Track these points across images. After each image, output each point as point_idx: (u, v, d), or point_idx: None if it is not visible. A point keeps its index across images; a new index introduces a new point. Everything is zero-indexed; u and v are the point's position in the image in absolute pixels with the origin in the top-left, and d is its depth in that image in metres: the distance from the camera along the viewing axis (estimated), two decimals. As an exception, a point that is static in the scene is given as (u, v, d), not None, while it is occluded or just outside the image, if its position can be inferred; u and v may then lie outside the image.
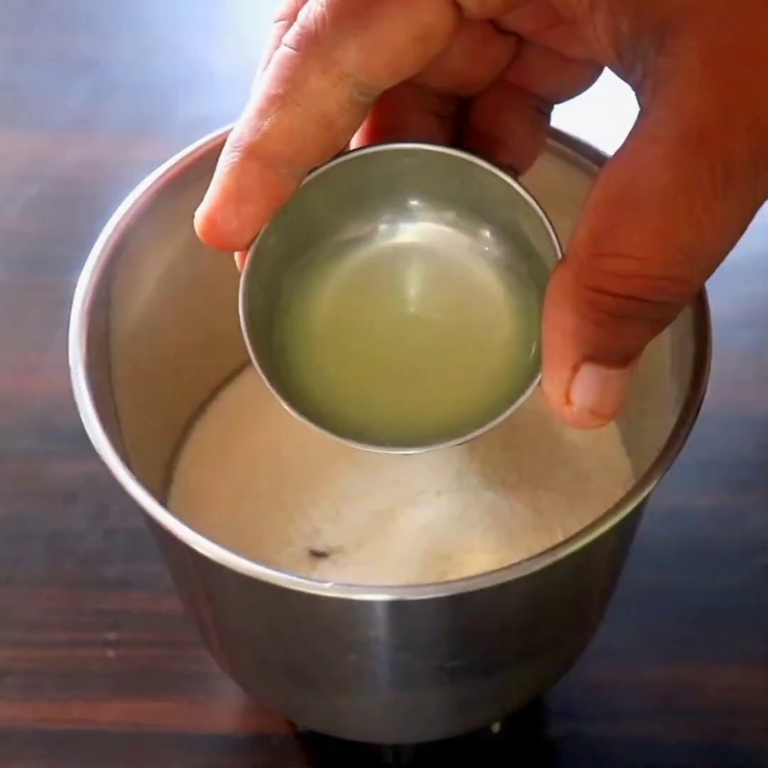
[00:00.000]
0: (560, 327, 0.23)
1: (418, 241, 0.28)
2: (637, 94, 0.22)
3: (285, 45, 0.23)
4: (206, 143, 0.35)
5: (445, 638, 0.31)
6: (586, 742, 0.41)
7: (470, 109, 0.28)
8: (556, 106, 0.28)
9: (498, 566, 0.28)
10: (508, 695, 0.37)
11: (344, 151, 0.26)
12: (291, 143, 0.24)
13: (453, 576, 0.35)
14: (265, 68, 0.24)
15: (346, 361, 0.28)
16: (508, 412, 0.25)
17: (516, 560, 0.28)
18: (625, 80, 0.23)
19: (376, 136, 0.27)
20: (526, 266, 0.27)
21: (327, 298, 0.28)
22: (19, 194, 0.57)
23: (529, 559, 0.28)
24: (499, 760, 0.41)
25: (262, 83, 0.24)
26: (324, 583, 0.28)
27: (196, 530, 0.29)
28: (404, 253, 0.28)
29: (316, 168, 0.25)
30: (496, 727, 0.41)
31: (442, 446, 0.26)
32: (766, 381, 0.50)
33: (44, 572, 0.45)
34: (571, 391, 0.23)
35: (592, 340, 0.22)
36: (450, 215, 0.27)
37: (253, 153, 0.24)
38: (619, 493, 0.29)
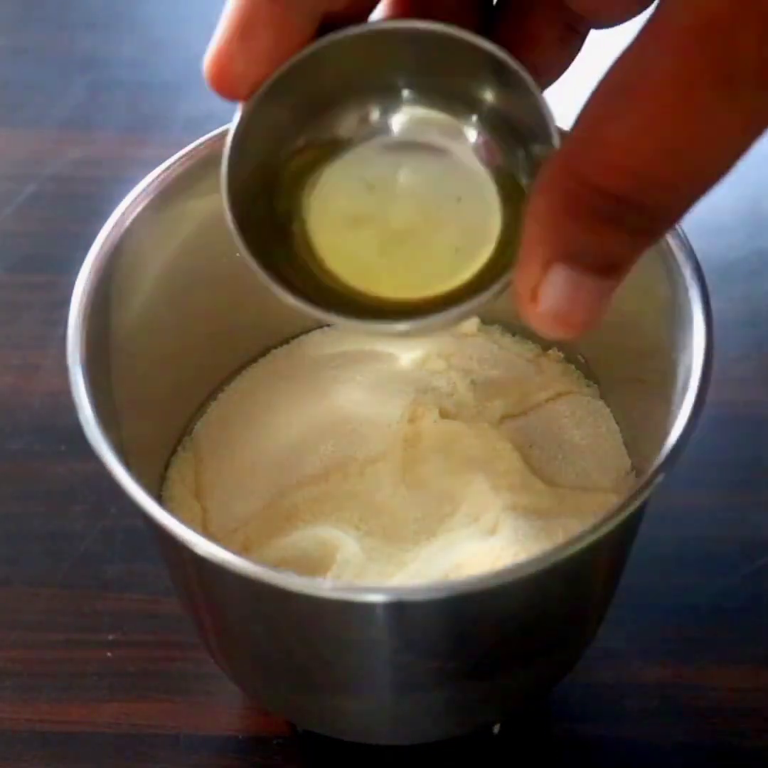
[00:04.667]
0: (539, 215, 0.21)
1: (411, 132, 0.28)
2: None
3: None
4: (206, 142, 0.35)
5: (445, 639, 0.31)
6: (586, 743, 0.41)
7: (500, 6, 0.27)
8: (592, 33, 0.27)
9: (498, 567, 0.28)
10: (509, 696, 0.37)
11: (356, 25, 0.25)
12: None
13: (453, 576, 0.35)
14: None
15: (337, 246, 0.28)
16: (483, 298, 0.25)
17: (516, 561, 0.28)
18: None
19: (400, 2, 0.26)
20: (524, 154, 0.26)
21: (320, 186, 0.28)
22: (19, 193, 0.57)
23: (529, 560, 0.28)
24: (499, 761, 0.41)
25: None
26: (324, 583, 0.28)
27: (196, 530, 0.29)
28: (397, 147, 0.28)
29: (316, 41, 0.25)
30: (496, 728, 0.41)
31: (422, 322, 0.26)
32: (766, 381, 0.50)
33: (43, 572, 0.45)
34: (539, 288, 0.22)
35: (568, 236, 0.21)
36: (446, 103, 0.27)
37: None
38: (620, 494, 0.29)
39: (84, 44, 0.65)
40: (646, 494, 0.29)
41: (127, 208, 0.35)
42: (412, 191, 0.28)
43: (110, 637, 0.43)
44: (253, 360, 0.42)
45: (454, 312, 0.26)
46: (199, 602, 0.34)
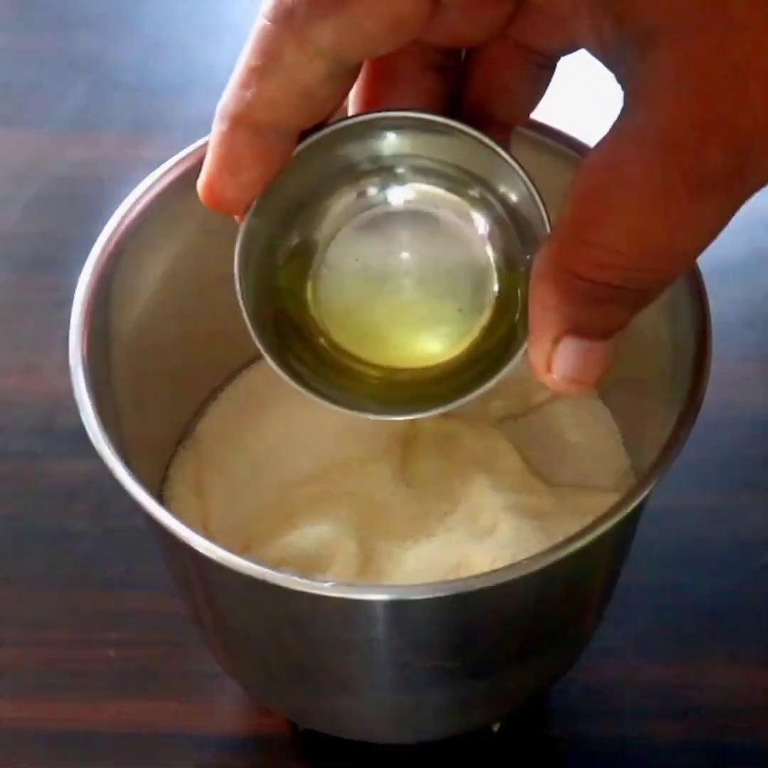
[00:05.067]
0: (543, 302, 0.24)
1: (408, 203, 0.28)
2: (621, 86, 0.23)
3: (263, 16, 0.24)
4: (205, 143, 0.35)
5: (445, 638, 0.31)
6: (585, 742, 0.41)
7: (470, 63, 0.28)
8: (548, 97, 0.29)
9: (497, 566, 0.28)
10: (508, 695, 0.37)
11: (337, 118, 0.26)
12: (274, 112, 0.24)
13: (452, 576, 0.35)
14: None
15: (347, 328, 0.29)
16: (495, 381, 0.27)
17: (516, 560, 0.28)
18: (611, 71, 0.23)
19: (374, 90, 0.27)
20: (515, 232, 0.28)
21: (320, 277, 0.29)
22: (20, 194, 0.57)
23: (529, 559, 0.28)
24: (498, 760, 0.41)
25: (244, 54, 0.25)
26: (324, 583, 0.28)
27: (197, 530, 0.29)
28: (395, 216, 0.28)
29: (306, 136, 0.26)
30: (496, 727, 0.41)
31: (431, 412, 0.28)
32: (766, 381, 0.50)
33: (44, 572, 0.45)
34: (553, 360, 0.24)
35: (572, 317, 0.24)
36: (439, 181, 0.28)
37: (240, 122, 0.25)
38: (619, 493, 0.29)
39: (85, 46, 0.65)
40: (644, 494, 0.29)
41: (128, 210, 0.35)
42: (407, 262, 0.29)
43: (111, 637, 0.44)
44: (254, 360, 0.42)
45: (459, 402, 0.28)
46: (200, 601, 0.34)
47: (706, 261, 0.33)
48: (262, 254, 0.28)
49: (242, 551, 0.36)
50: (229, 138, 0.25)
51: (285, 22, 0.23)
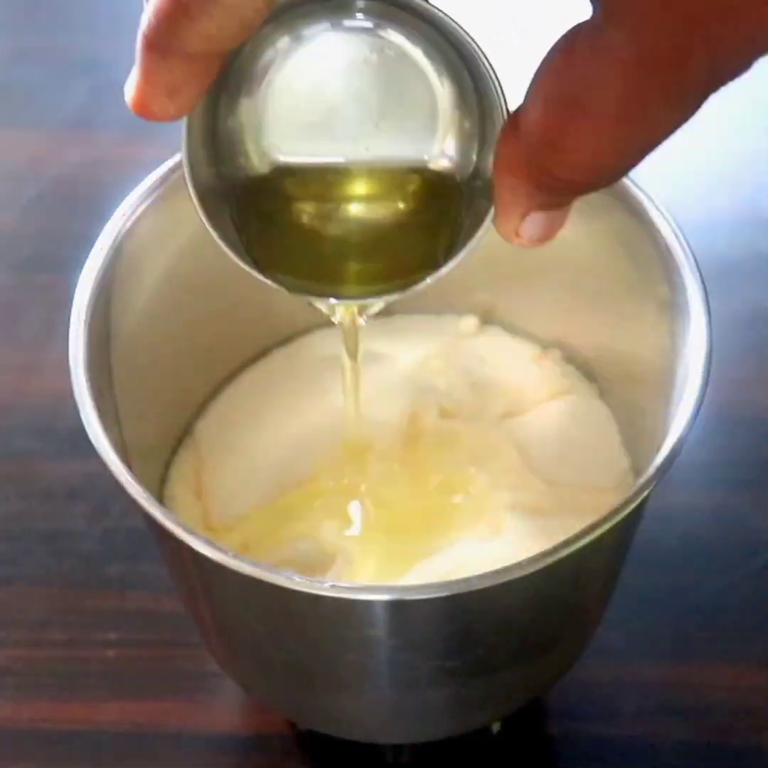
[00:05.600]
0: (511, 189, 0.26)
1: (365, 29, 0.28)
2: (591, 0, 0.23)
3: None
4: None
5: (445, 638, 0.31)
6: (585, 742, 0.41)
7: None
8: None
9: (497, 566, 0.28)
10: (508, 695, 0.37)
11: None
12: (211, 44, 0.24)
13: (453, 576, 0.35)
14: None
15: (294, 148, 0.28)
16: (465, 251, 0.28)
17: (516, 560, 0.28)
18: None
19: None
20: (470, 83, 0.27)
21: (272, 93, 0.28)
22: (20, 194, 0.57)
23: (529, 559, 0.28)
24: (498, 760, 0.41)
25: None
26: (324, 583, 0.28)
27: (197, 530, 0.29)
28: (349, 38, 0.27)
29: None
30: (495, 727, 0.41)
31: (394, 295, 0.29)
32: (766, 381, 0.50)
33: (44, 572, 0.45)
34: (520, 229, 0.27)
35: (538, 200, 0.26)
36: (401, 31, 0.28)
37: (173, 52, 0.25)
38: (619, 493, 0.29)
39: (85, 46, 0.65)
40: (645, 493, 0.29)
41: (128, 209, 0.35)
42: (361, 89, 0.28)
43: (111, 637, 0.44)
44: (254, 360, 0.42)
45: (452, 262, 0.28)
46: (200, 601, 0.34)
47: (706, 261, 0.33)
48: (204, 117, 0.28)
49: (242, 551, 0.36)
50: (162, 66, 0.25)
51: None
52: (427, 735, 0.38)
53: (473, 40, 0.26)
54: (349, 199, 0.29)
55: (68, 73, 0.63)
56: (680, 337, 0.33)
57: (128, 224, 0.35)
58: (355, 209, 0.29)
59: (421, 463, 0.38)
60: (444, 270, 0.28)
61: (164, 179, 0.35)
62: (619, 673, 0.42)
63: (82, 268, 0.34)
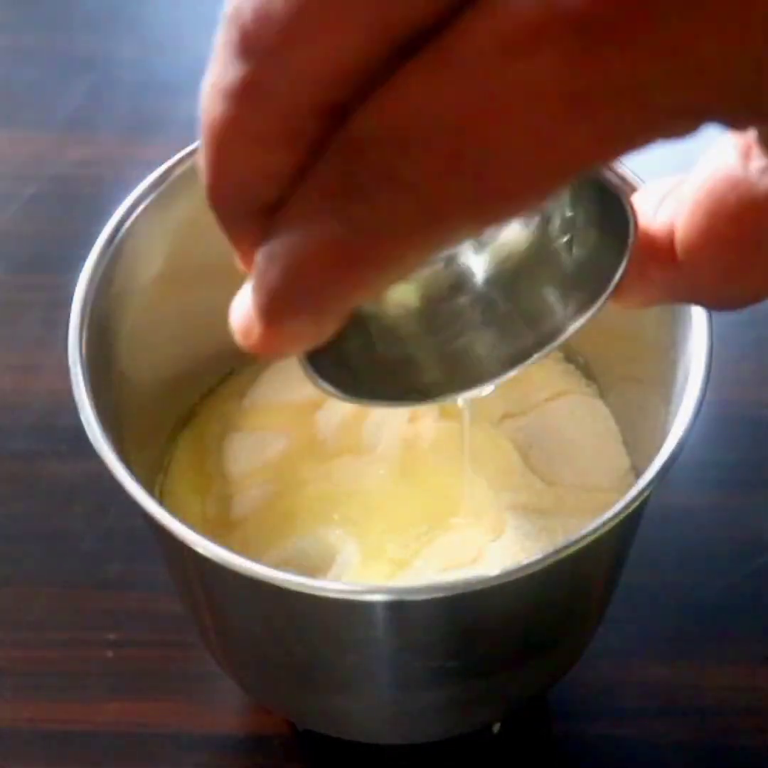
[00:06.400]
0: (646, 298, 0.25)
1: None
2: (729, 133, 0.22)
3: None
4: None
5: (445, 638, 0.31)
6: (586, 742, 0.41)
7: None
8: None
9: (498, 566, 0.28)
10: (509, 695, 0.37)
11: None
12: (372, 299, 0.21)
13: (453, 576, 0.35)
14: None
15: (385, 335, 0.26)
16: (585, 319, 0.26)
17: (516, 560, 0.28)
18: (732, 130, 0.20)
19: None
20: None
21: None
22: (19, 194, 0.57)
23: (529, 560, 0.28)
24: (499, 760, 0.41)
25: None
26: (324, 583, 0.28)
27: (196, 530, 0.29)
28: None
29: None
30: (496, 727, 0.41)
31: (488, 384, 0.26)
32: (766, 381, 0.50)
33: (44, 572, 0.45)
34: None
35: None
36: None
37: (327, 312, 0.20)
38: (619, 493, 0.29)
39: (85, 45, 0.65)
40: (645, 494, 0.29)
41: (128, 209, 0.35)
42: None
43: (111, 637, 0.44)
44: (253, 359, 0.42)
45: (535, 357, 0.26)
46: (200, 602, 0.34)
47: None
48: None
49: (242, 551, 0.36)
50: (304, 322, 0.20)
51: None
52: (427, 735, 0.38)
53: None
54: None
55: (68, 73, 0.63)
56: (680, 337, 0.33)
57: (128, 224, 0.35)
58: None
59: (420, 464, 0.38)
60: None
61: (164, 179, 0.35)
62: (620, 674, 0.42)
63: (81, 267, 0.34)
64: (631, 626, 0.43)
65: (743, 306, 0.25)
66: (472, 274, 0.26)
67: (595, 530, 0.28)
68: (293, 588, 0.28)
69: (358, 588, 0.30)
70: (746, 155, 0.21)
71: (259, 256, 0.19)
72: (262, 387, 0.41)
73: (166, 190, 0.35)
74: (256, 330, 0.21)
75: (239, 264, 0.21)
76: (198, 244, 0.37)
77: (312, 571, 0.36)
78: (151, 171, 0.35)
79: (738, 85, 0.17)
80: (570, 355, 0.41)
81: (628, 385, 0.39)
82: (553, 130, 0.17)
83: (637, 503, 0.29)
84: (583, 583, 0.33)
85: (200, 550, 0.28)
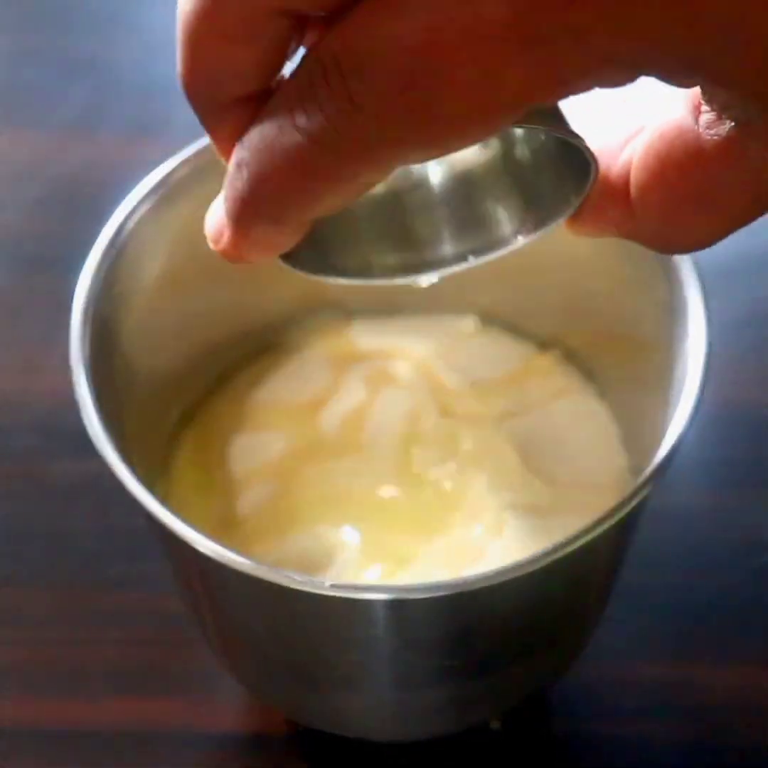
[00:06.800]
0: (600, 227, 0.25)
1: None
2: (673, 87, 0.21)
3: None
4: (207, 145, 0.35)
5: (445, 637, 0.32)
6: (585, 741, 0.41)
7: None
8: None
9: (497, 565, 0.28)
10: (508, 694, 0.37)
11: None
12: (330, 211, 0.21)
13: (453, 575, 0.35)
14: None
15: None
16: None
17: (516, 560, 0.28)
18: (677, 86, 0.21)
19: None
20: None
21: None
22: (20, 194, 0.57)
23: (529, 559, 0.28)
24: (499, 759, 0.41)
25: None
26: (324, 583, 0.28)
27: (198, 529, 0.29)
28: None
29: None
30: (496, 726, 0.41)
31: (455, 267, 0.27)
32: (766, 381, 0.50)
33: (45, 571, 0.45)
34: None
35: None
36: None
37: (288, 222, 0.22)
38: (619, 493, 0.30)
39: (86, 47, 0.65)
40: (644, 493, 0.29)
41: (129, 210, 0.35)
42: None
43: (111, 637, 0.44)
44: (254, 359, 0.42)
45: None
46: (201, 600, 0.34)
47: (706, 260, 0.33)
48: None
49: (243, 550, 0.36)
50: (269, 230, 0.22)
51: None
52: (428, 733, 0.38)
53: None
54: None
55: (69, 74, 0.63)
56: (679, 338, 0.33)
57: (128, 224, 0.35)
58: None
59: (421, 464, 0.39)
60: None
61: (165, 180, 0.35)
62: (619, 673, 0.42)
63: (82, 268, 0.34)
64: (631, 626, 0.43)
65: (687, 252, 0.25)
66: (434, 176, 0.27)
67: (594, 529, 0.28)
68: (294, 587, 0.28)
69: (359, 586, 0.30)
70: (696, 108, 0.22)
71: (231, 164, 0.21)
72: (263, 387, 0.41)
73: (167, 191, 0.35)
74: (226, 235, 0.23)
75: (218, 155, 0.23)
76: (199, 245, 0.37)
77: (313, 570, 0.36)
78: (151, 172, 0.35)
79: (671, 38, 0.18)
80: (570, 355, 0.41)
81: (627, 385, 0.39)
82: (497, 65, 0.18)
83: (635, 502, 0.29)
84: (582, 582, 0.33)
85: (201, 549, 0.28)
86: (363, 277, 0.27)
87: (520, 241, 0.27)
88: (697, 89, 0.21)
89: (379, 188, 0.27)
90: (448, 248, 0.28)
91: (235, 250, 0.23)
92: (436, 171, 0.28)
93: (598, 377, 0.41)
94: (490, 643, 0.33)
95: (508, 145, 0.27)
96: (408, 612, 0.30)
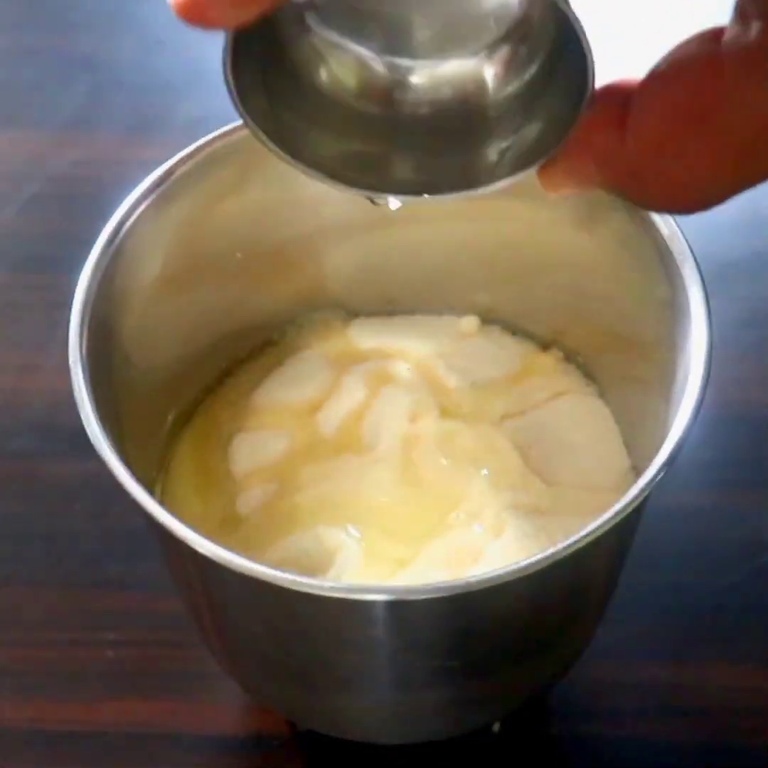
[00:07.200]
0: (579, 168, 0.25)
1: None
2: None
3: None
4: (206, 143, 0.35)
5: (445, 638, 0.31)
6: (586, 742, 0.41)
7: None
8: None
9: (498, 566, 0.28)
10: (509, 695, 0.37)
11: None
12: None
13: (453, 576, 0.35)
14: None
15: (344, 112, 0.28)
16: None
17: (516, 560, 0.28)
18: None
19: None
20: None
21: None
22: (19, 194, 0.57)
23: (528, 559, 0.28)
24: (499, 760, 0.41)
25: None
26: (324, 583, 0.28)
27: (197, 529, 0.29)
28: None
29: None
30: (496, 727, 0.41)
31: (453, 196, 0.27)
32: (766, 381, 0.50)
33: (43, 572, 0.45)
34: (558, 188, 0.27)
35: (594, 185, 0.26)
36: None
37: None
38: (619, 493, 0.29)
39: (85, 45, 0.65)
40: (645, 493, 0.29)
41: (128, 209, 0.35)
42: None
43: (111, 637, 0.44)
44: (254, 359, 0.42)
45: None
46: (200, 601, 0.34)
47: (706, 260, 0.33)
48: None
49: (242, 551, 0.36)
50: None
51: None
52: (428, 735, 0.38)
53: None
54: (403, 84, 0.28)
55: (68, 73, 0.63)
56: (680, 338, 0.33)
57: (128, 224, 0.35)
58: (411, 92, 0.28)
59: (420, 464, 0.38)
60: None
61: (164, 179, 0.35)
62: (619, 673, 0.42)
63: (81, 267, 0.34)
64: (631, 626, 0.43)
65: (669, 207, 0.24)
66: (425, 105, 0.28)
67: (595, 530, 0.28)
68: (294, 588, 0.28)
69: (359, 587, 0.30)
70: (716, 37, 0.22)
71: None
72: (262, 387, 0.41)
73: (166, 190, 0.35)
74: None
75: None
76: (198, 245, 0.37)
77: (312, 571, 0.36)
78: (151, 171, 0.35)
79: None
80: (570, 355, 0.41)
81: (628, 385, 0.39)
82: None
83: (636, 503, 0.29)
84: (582, 583, 0.33)
85: (201, 549, 0.28)
86: (333, 179, 0.27)
87: (509, 180, 0.27)
88: (714, 28, 0.22)
89: (373, 108, 0.28)
90: (423, 177, 0.28)
91: (195, 8, 0.24)
92: (428, 95, 0.28)
93: (598, 377, 0.41)
94: (490, 644, 0.32)
95: (503, 80, 0.27)
96: (408, 613, 0.30)
